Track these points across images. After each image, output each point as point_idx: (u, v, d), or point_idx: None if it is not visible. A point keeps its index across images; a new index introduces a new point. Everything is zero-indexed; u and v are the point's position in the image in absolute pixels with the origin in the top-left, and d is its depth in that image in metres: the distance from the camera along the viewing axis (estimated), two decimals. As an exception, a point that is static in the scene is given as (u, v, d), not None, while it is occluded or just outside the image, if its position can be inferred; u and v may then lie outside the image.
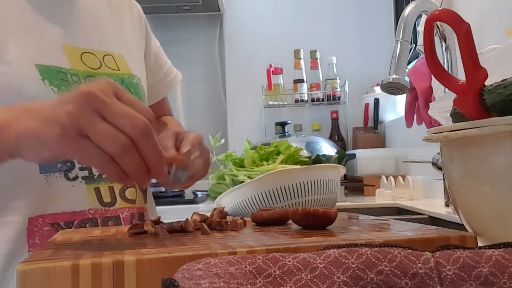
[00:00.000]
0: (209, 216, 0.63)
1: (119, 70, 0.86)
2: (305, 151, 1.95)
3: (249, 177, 1.12)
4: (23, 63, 0.73)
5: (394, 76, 1.01)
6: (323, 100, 2.59)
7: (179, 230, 0.58)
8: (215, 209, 0.66)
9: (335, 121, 2.57)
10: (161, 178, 0.52)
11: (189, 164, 0.62)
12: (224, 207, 0.68)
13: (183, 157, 0.59)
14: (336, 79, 2.58)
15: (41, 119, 0.51)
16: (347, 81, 2.57)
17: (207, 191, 1.37)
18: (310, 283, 0.35)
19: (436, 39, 1.21)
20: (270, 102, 2.61)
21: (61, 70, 0.77)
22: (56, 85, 0.75)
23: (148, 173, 0.51)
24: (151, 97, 1.02)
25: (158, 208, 1.00)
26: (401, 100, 1.98)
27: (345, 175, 1.89)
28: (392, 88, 1.04)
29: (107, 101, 0.48)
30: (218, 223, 0.60)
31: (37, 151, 0.53)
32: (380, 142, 2.44)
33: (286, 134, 2.23)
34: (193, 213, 0.63)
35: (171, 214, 1.59)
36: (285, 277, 0.35)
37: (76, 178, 0.77)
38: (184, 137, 0.72)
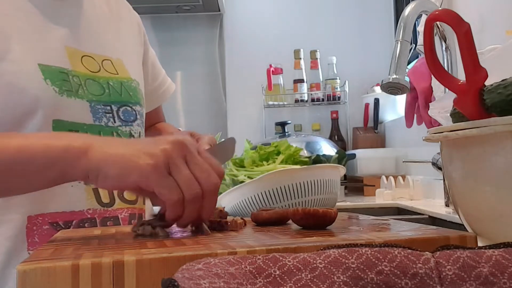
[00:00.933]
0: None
1: (117, 74, 0.86)
2: (305, 151, 1.95)
3: (249, 177, 1.12)
4: (27, 62, 0.74)
5: (394, 76, 1.01)
6: (323, 100, 2.59)
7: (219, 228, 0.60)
8: (215, 209, 0.66)
9: (335, 121, 2.57)
10: (201, 229, 0.58)
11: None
12: (224, 207, 0.68)
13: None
14: (336, 79, 2.58)
15: (134, 150, 0.56)
16: (347, 81, 2.57)
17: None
18: (310, 283, 0.35)
19: (436, 39, 1.21)
20: (270, 102, 2.61)
21: (63, 71, 0.77)
22: (58, 85, 0.75)
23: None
24: (151, 103, 1.03)
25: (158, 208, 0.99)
26: (401, 100, 1.98)
27: (345, 175, 1.89)
28: (392, 88, 1.04)
29: (193, 153, 0.56)
30: (218, 223, 0.60)
31: (121, 175, 0.56)
32: (380, 142, 2.44)
33: (286, 134, 2.23)
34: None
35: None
36: (285, 277, 0.35)
37: None
38: (200, 138, 0.80)
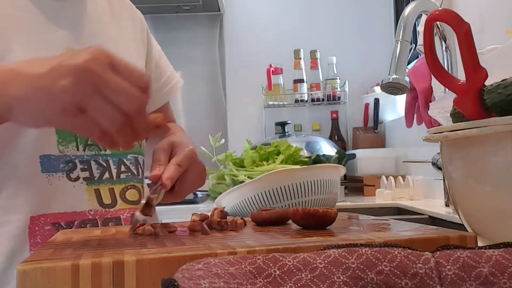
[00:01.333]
0: (209, 215, 0.63)
1: None
2: (305, 151, 1.95)
3: (249, 177, 1.12)
4: None
5: (394, 76, 1.01)
6: (323, 100, 2.59)
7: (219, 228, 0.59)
8: (215, 209, 0.66)
9: (335, 121, 2.57)
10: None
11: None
12: (224, 207, 0.68)
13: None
14: (336, 79, 2.58)
15: (37, 88, 0.52)
16: (347, 81, 2.57)
17: (207, 191, 1.37)
18: (310, 283, 0.35)
19: (436, 39, 1.21)
20: (270, 102, 2.61)
21: None
22: None
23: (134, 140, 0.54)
24: (152, 104, 1.02)
25: (158, 208, 0.99)
26: (401, 100, 1.98)
27: (345, 175, 1.89)
28: (392, 88, 1.04)
29: (104, 77, 0.49)
30: (218, 223, 0.60)
31: (33, 120, 0.54)
32: (380, 142, 2.44)
33: (286, 134, 2.23)
34: (192, 214, 0.63)
35: (171, 214, 1.60)
36: (285, 277, 0.35)
37: (77, 178, 0.77)
38: (177, 152, 0.75)
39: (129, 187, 0.83)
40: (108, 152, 0.81)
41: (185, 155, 0.75)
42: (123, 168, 0.83)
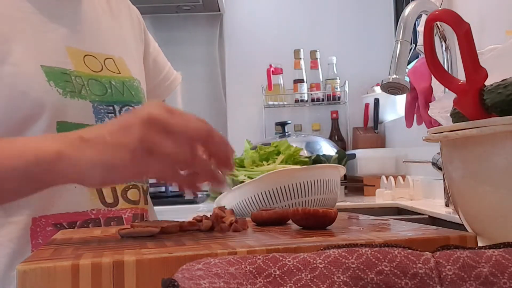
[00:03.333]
0: (209, 216, 0.63)
1: (120, 73, 0.86)
2: (305, 151, 1.95)
3: (249, 177, 1.12)
4: (28, 64, 0.73)
5: (394, 76, 1.01)
6: (323, 100, 2.59)
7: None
8: (219, 208, 0.65)
9: (335, 121, 2.57)
10: (229, 167, 0.56)
11: None
12: (224, 206, 0.68)
13: None
14: (336, 79, 2.57)
15: (105, 148, 0.53)
16: (347, 81, 2.57)
17: (207, 191, 1.37)
18: (310, 283, 0.35)
19: (436, 39, 1.21)
20: (270, 102, 2.61)
21: (65, 72, 0.77)
22: (61, 87, 0.75)
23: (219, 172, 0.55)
24: (153, 99, 1.02)
25: (158, 208, 1.00)
26: (401, 100, 1.98)
27: (345, 175, 1.89)
28: (392, 88, 1.04)
29: (165, 118, 0.52)
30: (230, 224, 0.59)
31: (105, 178, 0.54)
32: (380, 142, 2.44)
33: (286, 134, 2.23)
34: (193, 218, 0.62)
35: (171, 214, 1.59)
36: (285, 277, 0.35)
37: None
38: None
39: (130, 186, 0.83)
40: None
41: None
42: None
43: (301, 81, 2.58)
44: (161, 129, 0.52)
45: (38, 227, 0.73)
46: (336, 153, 1.67)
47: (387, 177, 1.81)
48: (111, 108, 0.81)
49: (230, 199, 1.09)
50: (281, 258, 0.36)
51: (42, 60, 0.75)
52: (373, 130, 2.43)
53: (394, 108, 2.24)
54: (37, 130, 0.72)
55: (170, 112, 0.53)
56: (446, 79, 0.51)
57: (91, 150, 0.54)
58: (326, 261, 0.36)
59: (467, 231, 0.52)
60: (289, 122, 2.32)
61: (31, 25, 0.77)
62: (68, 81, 0.76)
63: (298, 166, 1.13)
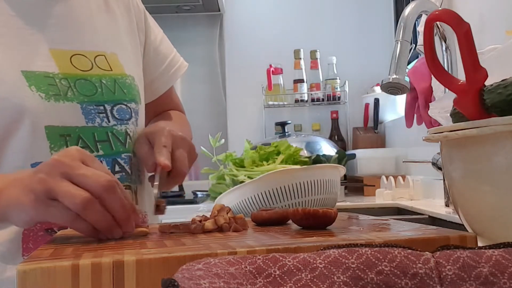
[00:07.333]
0: (209, 216, 0.63)
1: (111, 70, 0.84)
2: (305, 151, 1.95)
3: (249, 177, 1.12)
4: (9, 70, 0.72)
5: (394, 76, 1.01)
6: (323, 100, 2.59)
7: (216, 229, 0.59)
8: (222, 207, 0.65)
9: (335, 121, 2.57)
10: (128, 229, 0.57)
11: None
12: (224, 205, 0.68)
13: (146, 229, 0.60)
14: (336, 79, 2.58)
15: (21, 188, 0.58)
16: (347, 81, 2.57)
17: (207, 191, 1.37)
18: (310, 283, 0.35)
19: (436, 39, 1.21)
20: (270, 102, 2.61)
21: (48, 75, 0.75)
22: (44, 91, 0.74)
23: (118, 225, 0.56)
24: (154, 91, 1.00)
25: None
26: (401, 100, 1.98)
27: (345, 175, 1.89)
28: (392, 88, 1.04)
29: (72, 165, 0.55)
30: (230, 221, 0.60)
31: (20, 217, 0.59)
32: (380, 142, 2.44)
33: (286, 134, 2.23)
34: (192, 219, 0.62)
35: (171, 214, 1.59)
36: (285, 277, 0.35)
37: None
38: (155, 139, 0.76)
39: (124, 187, 0.82)
40: (100, 153, 0.79)
41: (164, 136, 0.75)
42: (117, 168, 0.81)
43: (301, 81, 2.58)
44: (63, 174, 0.54)
45: (31, 232, 0.73)
46: (336, 153, 1.67)
47: (387, 177, 1.80)
48: (101, 108, 0.80)
49: (230, 199, 1.09)
50: (281, 258, 0.36)
51: (23, 65, 0.74)
52: (373, 130, 2.43)
53: (394, 108, 2.24)
54: (22, 136, 0.72)
55: (82, 161, 0.56)
56: (446, 79, 0.51)
57: (13, 190, 0.58)
58: (326, 261, 0.36)
59: (467, 231, 0.52)
60: (289, 122, 2.32)
61: (12, 28, 0.75)
62: (52, 84, 0.75)
63: (298, 166, 1.13)
